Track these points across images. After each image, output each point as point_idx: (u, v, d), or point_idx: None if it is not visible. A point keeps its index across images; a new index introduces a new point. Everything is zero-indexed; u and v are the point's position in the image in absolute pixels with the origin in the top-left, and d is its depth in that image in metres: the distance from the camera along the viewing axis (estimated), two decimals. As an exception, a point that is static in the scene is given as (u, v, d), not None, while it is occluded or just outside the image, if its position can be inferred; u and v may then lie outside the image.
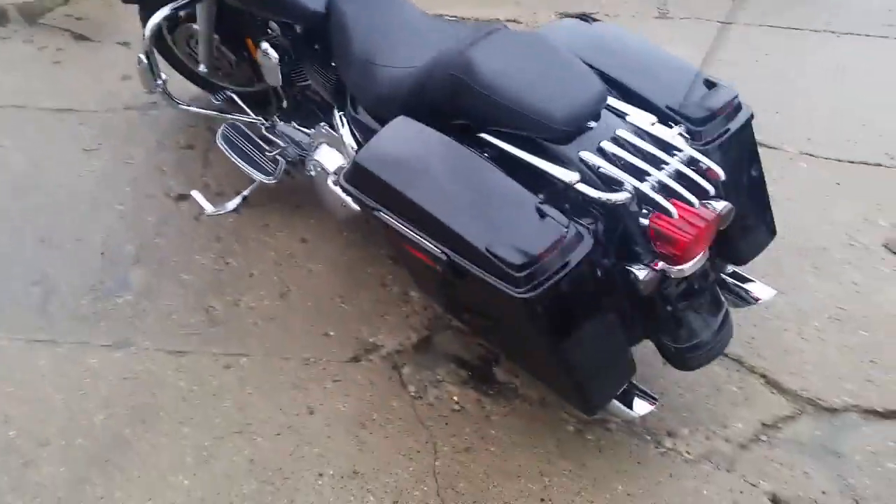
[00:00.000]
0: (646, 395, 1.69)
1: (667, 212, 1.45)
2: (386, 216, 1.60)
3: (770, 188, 1.83)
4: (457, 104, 1.61)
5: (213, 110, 2.52)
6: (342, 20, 1.96)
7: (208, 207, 2.35)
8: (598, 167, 1.52)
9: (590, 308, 1.51)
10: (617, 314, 1.55)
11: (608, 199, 1.49)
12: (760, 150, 1.80)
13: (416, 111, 1.65)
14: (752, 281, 1.88)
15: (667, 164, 1.54)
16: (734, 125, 1.68)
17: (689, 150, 1.57)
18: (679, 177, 1.53)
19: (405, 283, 2.15)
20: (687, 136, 1.63)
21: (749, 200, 1.77)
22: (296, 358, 1.99)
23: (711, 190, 1.53)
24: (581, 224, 1.49)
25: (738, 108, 1.71)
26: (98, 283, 2.17)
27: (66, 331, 2.02)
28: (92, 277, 2.18)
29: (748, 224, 1.78)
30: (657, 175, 1.50)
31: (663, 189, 1.50)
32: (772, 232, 1.87)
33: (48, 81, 2.94)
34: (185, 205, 2.43)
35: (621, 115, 1.63)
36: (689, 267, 1.52)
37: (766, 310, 2.16)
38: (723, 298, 1.74)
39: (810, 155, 2.73)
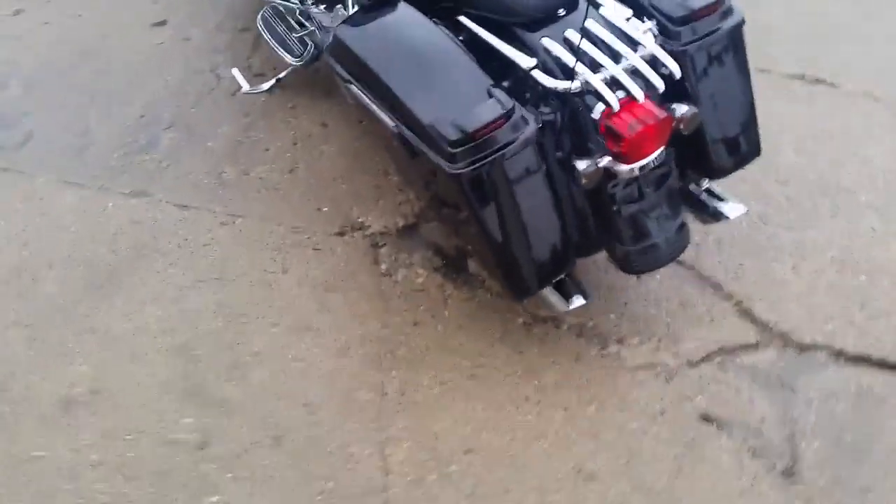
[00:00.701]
0: (582, 291, 1.72)
1: (609, 105, 1.45)
2: (354, 88, 1.69)
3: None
4: None
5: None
6: None
7: (245, 86, 2.50)
8: (558, 56, 1.53)
9: (524, 192, 1.54)
10: (554, 203, 1.57)
11: (555, 87, 1.51)
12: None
13: None
14: (723, 200, 1.84)
15: (625, 58, 1.52)
16: (716, 28, 1.62)
17: (652, 47, 1.55)
18: (635, 73, 1.52)
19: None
20: (657, 33, 1.59)
21: (727, 111, 1.72)
22: (286, 225, 2.15)
23: (661, 87, 1.51)
24: (534, 112, 1.51)
25: (728, 12, 1.65)
26: (132, 140, 2.40)
27: (95, 177, 2.28)
28: (127, 136, 2.41)
29: (723, 136, 1.73)
30: (611, 69, 1.50)
31: (614, 83, 1.50)
32: (754, 150, 1.81)
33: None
34: (225, 82, 2.60)
35: (596, 7, 1.61)
36: (636, 167, 1.52)
37: (767, 240, 2.10)
38: (680, 208, 1.71)
39: (871, 95, 2.55)
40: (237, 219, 2.18)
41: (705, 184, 1.86)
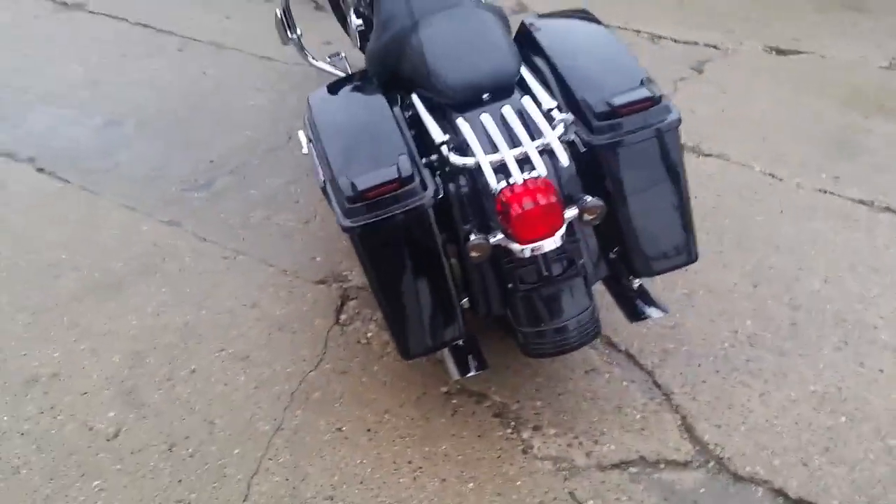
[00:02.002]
0: (480, 362, 1.71)
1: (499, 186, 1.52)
2: (310, 146, 1.87)
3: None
4: (400, 61, 1.82)
5: (340, 70, 2.94)
6: None
7: (305, 148, 2.79)
8: (464, 135, 1.61)
9: (411, 255, 1.59)
10: (442, 271, 1.61)
11: (455, 162, 1.58)
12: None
13: (384, 67, 1.87)
14: (650, 301, 1.76)
15: (520, 144, 1.57)
16: (641, 127, 1.61)
17: (550, 137, 1.57)
18: (526, 160, 1.55)
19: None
20: (569, 124, 1.61)
21: (652, 212, 1.68)
22: (277, 267, 2.35)
23: (540, 173, 1.53)
24: (437, 183, 1.59)
25: (661, 111, 1.63)
26: (193, 179, 2.77)
27: (147, 204, 2.65)
28: (192, 175, 2.78)
29: (646, 237, 1.69)
30: (503, 152, 1.55)
31: (502, 168, 1.54)
32: (688, 255, 1.74)
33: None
34: (294, 142, 2.89)
35: (526, 95, 1.68)
36: (528, 248, 1.53)
37: (745, 362, 1.95)
38: (588, 297, 1.67)
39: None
40: (239, 255, 2.41)
41: (636, 282, 1.79)
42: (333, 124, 1.75)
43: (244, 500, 1.70)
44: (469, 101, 1.68)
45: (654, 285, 1.98)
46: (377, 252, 1.58)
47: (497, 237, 1.55)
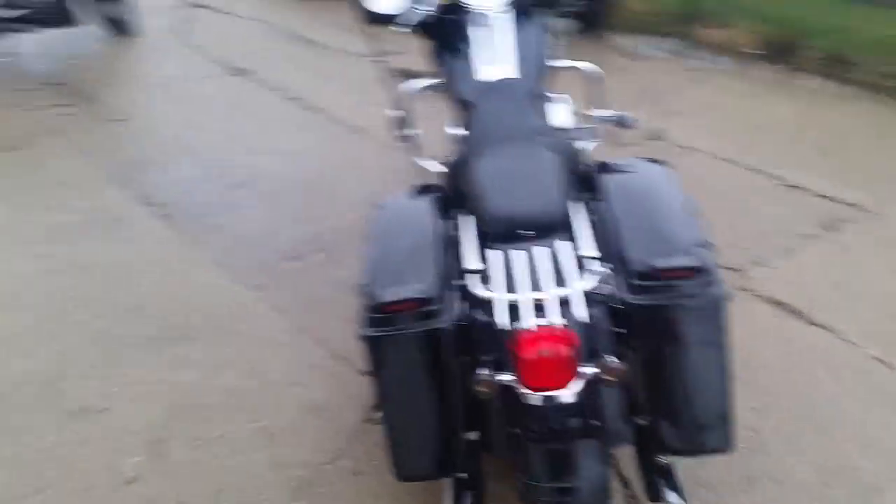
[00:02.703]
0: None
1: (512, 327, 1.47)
2: None
3: None
4: (461, 182, 1.86)
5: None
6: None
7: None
8: (490, 267, 1.59)
9: (423, 377, 1.57)
10: (443, 399, 1.57)
11: (475, 293, 1.55)
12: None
13: (452, 184, 1.93)
14: (673, 484, 1.63)
15: (541, 290, 1.52)
16: (682, 295, 1.52)
17: (573, 289, 1.52)
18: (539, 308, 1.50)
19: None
20: (605, 278, 1.56)
21: (685, 388, 1.57)
22: (333, 351, 2.40)
23: (552, 321, 1.46)
24: (456, 310, 1.56)
25: (707, 283, 1.53)
26: (289, 250, 2.92)
27: (240, 265, 2.82)
28: (290, 246, 2.94)
29: (675, 414, 1.58)
30: (522, 294, 1.52)
31: (513, 309, 1.50)
32: (720, 442, 1.59)
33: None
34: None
35: (567, 240, 1.64)
36: (537, 395, 1.47)
37: None
38: (600, 463, 1.56)
39: None
40: (302, 333, 2.48)
41: (663, 458, 1.65)
42: (383, 231, 1.77)
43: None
44: (505, 234, 1.66)
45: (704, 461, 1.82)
46: (387, 365, 1.57)
47: (507, 377, 1.49)
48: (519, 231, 1.65)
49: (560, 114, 2.57)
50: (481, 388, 1.48)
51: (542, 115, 2.23)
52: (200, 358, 2.38)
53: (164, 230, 3.06)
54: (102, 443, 2.07)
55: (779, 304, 2.58)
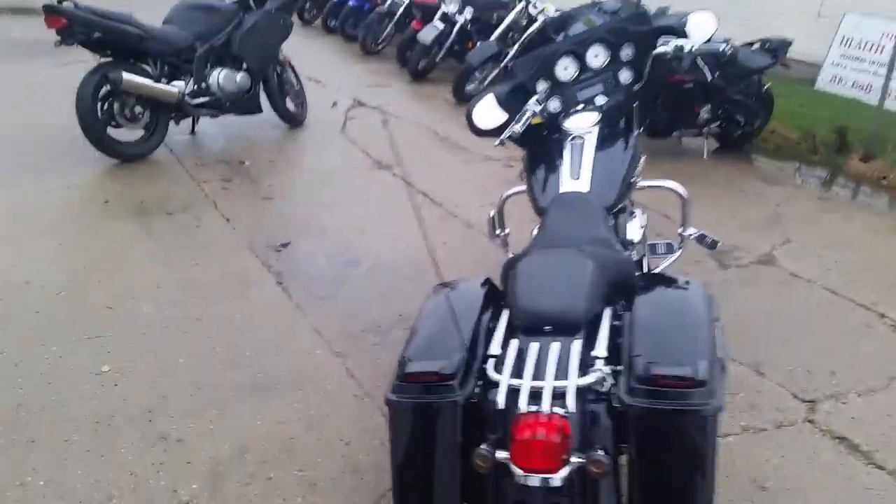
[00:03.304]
0: None
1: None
2: None
3: None
4: (506, 279, 2.05)
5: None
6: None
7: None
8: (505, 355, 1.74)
9: (433, 445, 1.69)
10: (450, 461, 1.69)
11: (489, 375, 1.72)
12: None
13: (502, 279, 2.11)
14: None
15: (542, 379, 1.65)
16: (673, 406, 1.59)
17: (569, 382, 1.63)
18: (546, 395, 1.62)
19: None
20: (602, 378, 1.67)
21: (664, 490, 1.63)
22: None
23: (543, 409, 1.58)
24: (468, 391, 1.68)
25: (703, 395, 1.58)
26: (376, 325, 3.20)
27: (331, 332, 3.13)
28: (379, 321, 3.22)
29: None
30: (524, 380, 1.65)
31: (513, 394, 1.63)
32: None
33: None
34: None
35: (585, 342, 1.76)
36: (523, 476, 1.58)
37: None
38: None
39: None
40: (367, 397, 2.71)
41: None
42: (432, 311, 1.97)
43: None
44: (532, 327, 1.81)
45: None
46: (403, 430, 1.73)
47: (503, 455, 1.62)
48: (543, 327, 1.80)
49: (632, 228, 2.71)
50: (479, 462, 1.62)
51: (606, 227, 2.39)
52: (273, 409, 2.65)
53: (278, 296, 3.45)
54: (171, 467, 2.37)
55: (842, 440, 2.49)
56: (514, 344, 1.76)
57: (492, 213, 3.14)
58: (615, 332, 1.83)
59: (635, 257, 2.71)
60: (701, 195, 4.74)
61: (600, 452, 1.56)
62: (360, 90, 7.17)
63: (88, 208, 4.29)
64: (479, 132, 2.71)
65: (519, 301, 1.87)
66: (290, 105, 5.88)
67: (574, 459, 1.57)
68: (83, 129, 4.64)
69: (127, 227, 4.04)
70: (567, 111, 2.73)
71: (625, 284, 2.11)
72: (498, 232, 3.16)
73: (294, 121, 5.94)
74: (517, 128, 2.61)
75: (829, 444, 2.54)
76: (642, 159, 2.89)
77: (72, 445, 2.45)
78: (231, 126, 5.71)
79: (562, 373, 1.67)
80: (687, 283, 2.05)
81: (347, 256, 3.80)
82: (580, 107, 2.74)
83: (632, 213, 2.75)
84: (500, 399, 1.63)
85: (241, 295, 3.43)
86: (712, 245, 3.06)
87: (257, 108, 5.52)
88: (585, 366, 1.69)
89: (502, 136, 2.66)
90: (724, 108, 5.56)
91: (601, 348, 1.75)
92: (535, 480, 1.58)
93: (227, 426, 2.56)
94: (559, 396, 1.62)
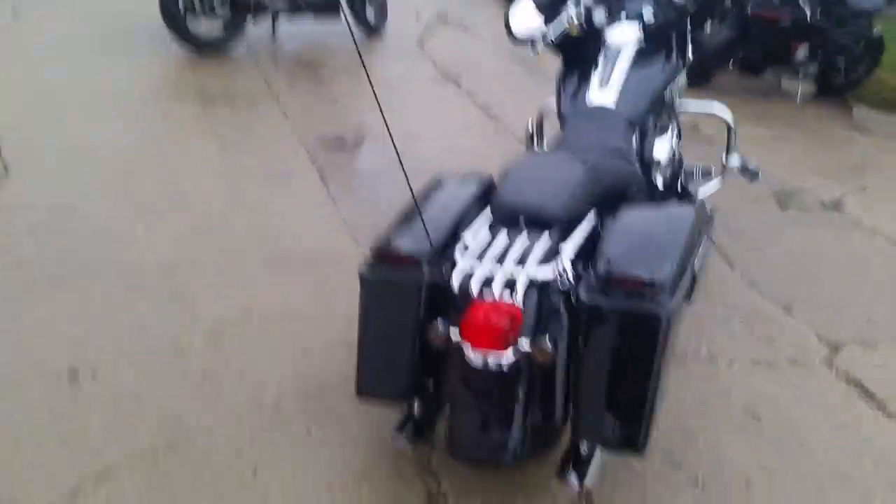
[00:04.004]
0: (417, 433, 1.84)
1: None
2: None
3: None
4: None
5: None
6: None
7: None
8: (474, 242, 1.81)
9: (397, 317, 1.79)
10: (408, 337, 1.77)
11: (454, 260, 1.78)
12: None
13: None
14: (581, 471, 1.73)
15: (500, 267, 1.71)
16: (622, 304, 1.62)
17: (522, 271, 1.69)
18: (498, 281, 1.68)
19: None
20: (562, 272, 1.70)
21: (608, 385, 1.66)
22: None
23: (495, 295, 1.65)
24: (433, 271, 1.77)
25: (654, 299, 1.60)
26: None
27: (358, 227, 3.21)
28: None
29: (594, 405, 1.67)
30: (482, 265, 1.72)
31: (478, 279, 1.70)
32: (630, 443, 1.65)
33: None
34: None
35: (559, 238, 1.81)
36: (470, 352, 1.65)
37: None
38: (506, 428, 1.69)
39: None
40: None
41: (585, 445, 1.76)
42: (425, 198, 2.00)
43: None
44: (508, 220, 1.85)
45: None
46: (371, 305, 1.82)
47: (455, 333, 1.67)
48: (518, 220, 1.83)
49: (660, 146, 2.63)
50: (432, 337, 1.69)
51: (623, 139, 2.35)
52: (286, 281, 2.78)
53: (318, 188, 3.57)
54: (178, 319, 2.55)
55: (858, 385, 2.41)
56: (485, 233, 1.80)
57: (530, 124, 3.11)
58: (597, 237, 1.85)
59: (660, 177, 2.65)
60: (783, 138, 4.54)
61: (546, 342, 1.62)
62: (447, 4, 7.13)
63: (160, 93, 4.53)
64: (516, 39, 2.66)
65: (500, 195, 1.91)
66: (370, 14, 5.92)
67: (521, 345, 1.62)
68: (164, 19, 4.85)
69: (192, 113, 4.25)
70: (611, 22, 2.66)
71: (621, 194, 2.09)
72: (536, 143, 3.14)
73: (372, 30, 5.98)
74: (550, 33, 2.56)
75: (842, 387, 2.44)
76: (682, 82, 2.79)
77: (95, 288, 2.66)
78: (310, 32, 5.82)
79: (521, 263, 1.70)
80: (684, 203, 2.05)
81: (394, 160, 3.85)
82: (623, 18, 2.66)
83: (663, 132, 2.67)
84: (455, 280, 1.69)
85: (284, 184, 3.56)
86: (754, 175, 2.94)
87: (335, 13, 5.58)
88: (548, 260, 1.72)
89: (536, 43, 2.61)
90: (824, 50, 5.19)
91: (570, 246, 1.76)
92: (480, 360, 1.64)
93: (240, 291, 2.71)
94: (511, 284, 1.67)
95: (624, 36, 2.60)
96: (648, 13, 2.64)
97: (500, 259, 1.73)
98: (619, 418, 1.65)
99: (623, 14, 2.65)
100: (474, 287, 1.68)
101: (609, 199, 2.02)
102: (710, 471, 2.06)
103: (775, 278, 3.00)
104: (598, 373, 1.66)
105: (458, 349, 1.67)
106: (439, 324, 1.68)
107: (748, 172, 2.92)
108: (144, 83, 4.64)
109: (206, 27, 5.09)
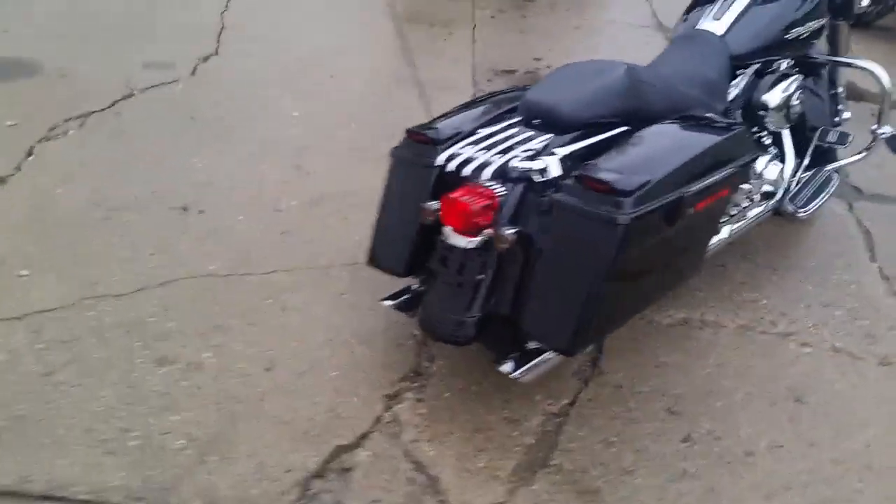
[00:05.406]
0: (406, 304, 2.04)
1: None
2: None
3: None
4: None
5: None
6: None
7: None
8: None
9: (409, 195, 1.96)
10: (413, 214, 1.91)
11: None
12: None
13: None
14: (520, 360, 1.82)
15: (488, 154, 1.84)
16: (587, 208, 1.67)
17: (501, 159, 1.81)
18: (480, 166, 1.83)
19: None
20: (541, 168, 1.79)
21: (554, 283, 1.73)
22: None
23: (477, 180, 1.78)
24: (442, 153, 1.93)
25: (619, 205, 1.64)
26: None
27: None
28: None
29: (538, 301, 1.75)
30: (472, 151, 1.87)
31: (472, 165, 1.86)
32: (562, 343, 1.72)
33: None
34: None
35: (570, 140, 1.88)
36: (446, 232, 1.81)
37: None
38: (465, 308, 1.82)
39: None
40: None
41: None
42: (497, 96, 2.18)
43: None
44: (527, 117, 1.96)
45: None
46: (392, 178, 2.04)
47: (436, 209, 1.82)
48: (534, 119, 1.94)
49: (773, 93, 2.49)
50: (425, 215, 1.87)
51: (717, 70, 2.29)
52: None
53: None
54: (291, 183, 2.94)
55: None
56: (496, 125, 1.92)
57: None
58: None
59: (772, 126, 2.51)
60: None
61: (509, 229, 1.72)
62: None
63: (368, 8, 4.94)
64: None
65: (528, 93, 2.01)
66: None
67: (487, 230, 1.74)
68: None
69: (391, 28, 4.64)
70: None
71: (669, 113, 2.06)
72: None
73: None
74: None
75: None
76: (823, 28, 2.57)
77: (235, 147, 3.14)
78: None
79: (505, 153, 1.81)
80: (727, 125, 1.98)
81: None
82: None
83: (782, 79, 2.51)
84: (441, 158, 1.85)
85: (435, 99, 3.76)
86: (895, 149, 2.66)
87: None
88: (538, 156, 1.80)
89: None
90: None
91: (566, 148, 1.82)
92: (451, 237, 1.79)
93: (351, 176, 3.02)
94: (503, 175, 1.79)
95: None
96: None
97: (493, 149, 1.84)
98: (555, 317, 1.70)
99: None
100: (464, 171, 1.82)
101: (652, 117, 2.00)
102: (709, 430, 2.04)
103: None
104: (548, 269, 1.72)
105: (440, 227, 1.83)
106: (431, 202, 1.85)
107: (893, 143, 2.65)
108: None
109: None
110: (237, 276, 2.42)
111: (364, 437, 1.92)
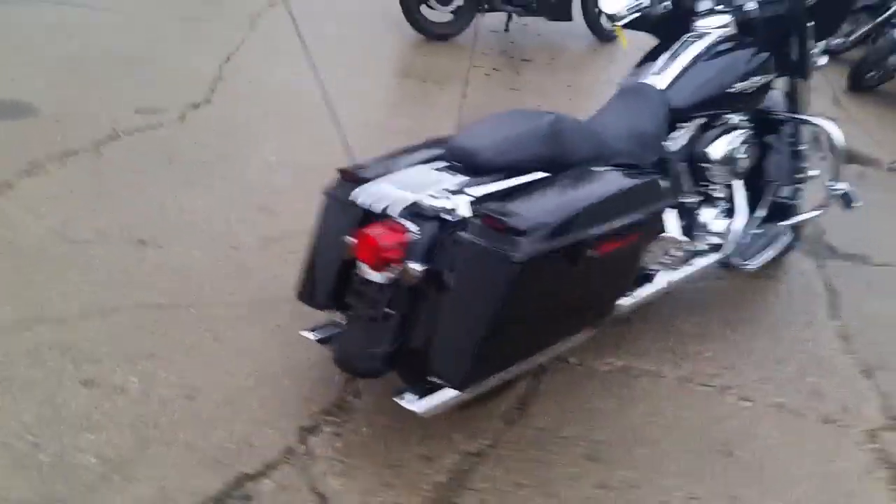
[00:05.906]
0: (327, 338, 2.08)
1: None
2: None
3: None
4: None
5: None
6: None
7: None
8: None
9: (327, 228, 2.05)
10: (334, 250, 1.98)
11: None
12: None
13: None
14: (420, 391, 1.84)
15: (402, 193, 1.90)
16: (481, 240, 1.74)
17: (409, 199, 1.86)
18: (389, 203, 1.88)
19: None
20: (451, 209, 1.85)
21: (451, 316, 1.77)
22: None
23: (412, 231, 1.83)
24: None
25: (511, 243, 1.70)
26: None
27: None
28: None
29: (430, 336, 1.79)
30: (387, 191, 1.91)
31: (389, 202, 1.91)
32: (454, 379, 1.77)
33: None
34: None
35: (479, 182, 1.94)
36: (361, 266, 1.86)
37: None
38: (369, 341, 1.87)
39: None
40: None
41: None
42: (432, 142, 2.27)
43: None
44: (450, 159, 2.04)
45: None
46: (320, 214, 2.09)
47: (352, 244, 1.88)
48: (454, 161, 2.02)
49: (717, 145, 2.54)
50: (343, 250, 1.93)
51: (653, 123, 2.35)
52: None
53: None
54: (257, 218, 3.03)
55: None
56: (421, 168, 1.99)
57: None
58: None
59: (717, 179, 2.55)
60: None
61: (417, 266, 1.78)
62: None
63: (372, 64, 5.12)
64: (607, 16, 2.73)
65: (452, 138, 2.09)
66: (604, 20, 6.03)
67: (397, 267, 1.80)
68: (402, 6, 5.43)
69: (387, 82, 4.80)
70: (702, 8, 2.63)
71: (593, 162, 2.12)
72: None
73: (605, 35, 6.08)
74: (625, 11, 2.59)
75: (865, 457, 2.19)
76: (772, 82, 2.62)
77: (201, 191, 3.24)
78: (544, 31, 6.10)
79: (421, 193, 1.88)
80: (640, 173, 2.04)
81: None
82: (720, 6, 2.61)
83: (726, 132, 2.55)
84: (356, 195, 1.92)
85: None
86: (850, 205, 2.67)
87: (566, 16, 5.77)
88: (451, 196, 1.87)
89: (616, 21, 2.66)
90: None
91: (478, 189, 1.89)
92: (365, 272, 1.85)
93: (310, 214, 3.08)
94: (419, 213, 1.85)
95: (710, 23, 2.56)
96: (753, 6, 2.56)
97: (412, 188, 1.91)
98: (452, 351, 1.74)
99: (723, 3, 2.60)
100: (376, 207, 1.88)
101: (573, 164, 2.06)
102: (627, 478, 2.03)
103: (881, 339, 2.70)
104: (451, 305, 1.77)
105: (355, 262, 1.89)
106: (350, 238, 1.91)
107: (847, 198, 2.66)
108: (363, 57, 5.26)
109: (437, 15, 5.57)
110: (181, 308, 2.48)
111: (271, 466, 1.94)
